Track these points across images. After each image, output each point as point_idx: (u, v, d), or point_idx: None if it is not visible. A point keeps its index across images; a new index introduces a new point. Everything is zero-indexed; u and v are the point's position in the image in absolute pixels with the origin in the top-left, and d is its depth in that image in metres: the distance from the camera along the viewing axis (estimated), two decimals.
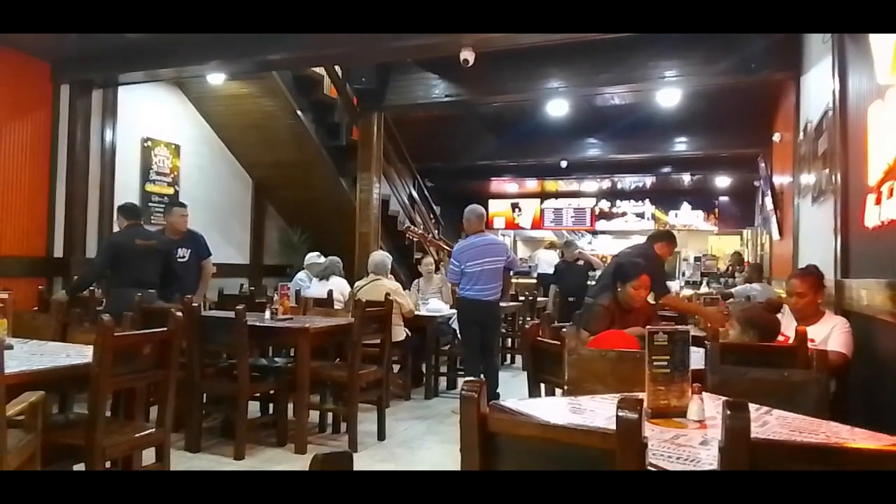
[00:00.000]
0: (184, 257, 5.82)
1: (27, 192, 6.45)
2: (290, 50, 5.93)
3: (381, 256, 6.24)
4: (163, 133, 7.95)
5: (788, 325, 3.54)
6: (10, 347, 2.74)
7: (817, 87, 5.07)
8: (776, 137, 8.15)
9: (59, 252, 6.64)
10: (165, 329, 3.07)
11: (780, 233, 7.49)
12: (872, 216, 3.09)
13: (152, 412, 3.49)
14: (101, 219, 6.97)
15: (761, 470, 1.32)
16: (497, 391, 5.43)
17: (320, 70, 8.36)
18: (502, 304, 6.12)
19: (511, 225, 15.89)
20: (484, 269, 5.51)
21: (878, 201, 2.98)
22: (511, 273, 6.02)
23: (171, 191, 8.02)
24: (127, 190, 7.37)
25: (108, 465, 2.93)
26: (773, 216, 7.77)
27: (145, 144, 7.72)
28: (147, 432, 3.07)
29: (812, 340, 3.01)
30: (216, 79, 7.13)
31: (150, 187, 7.76)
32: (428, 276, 7.15)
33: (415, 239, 7.87)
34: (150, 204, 7.75)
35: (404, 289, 6.41)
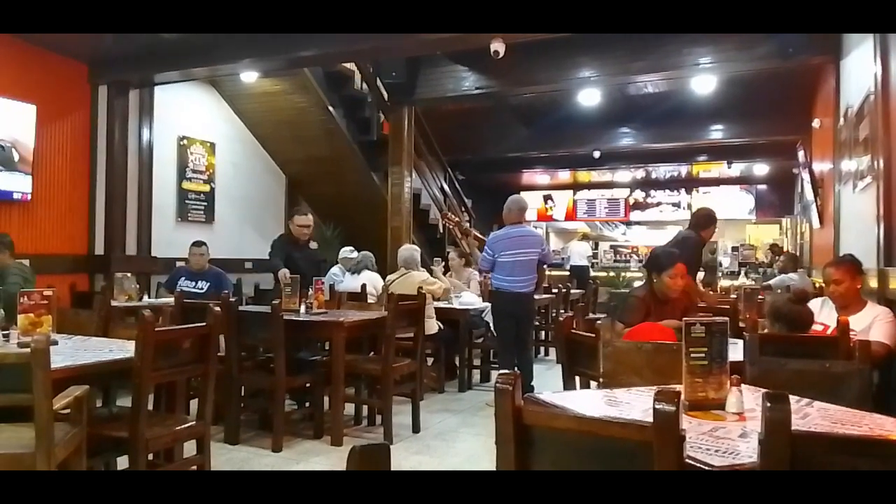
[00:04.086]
0: (202, 289, 6.00)
1: (68, 192, 6.62)
2: (321, 46, 5.98)
3: (409, 251, 6.29)
4: (198, 131, 8.08)
5: (829, 315, 3.46)
6: (55, 343, 2.81)
7: (858, 70, 4.94)
8: (816, 123, 7.95)
9: (99, 250, 6.80)
10: (204, 324, 3.13)
11: (821, 221, 7.32)
12: None
13: (192, 405, 3.56)
14: (139, 216, 7.12)
15: (802, 463, 1.29)
16: (531, 384, 5.41)
17: (351, 65, 8.40)
18: (535, 296, 6.09)
19: (543, 217, 15.78)
20: (518, 260, 5.48)
21: None
22: (545, 266, 5.98)
23: (206, 188, 8.16)
24: (164, 188, 7.53)
25: (150, 456, 3.00)
26: (814, 204, 7.59)
27: (181, 143, 7.86)
28: (188, 425, 3.13)
29: (853, 330, 2.94)
30: (249, 77, 7.22)
31: (186, 185, 7.90)
32: (457, 269, 7.16)
33: (451, 226, 7.88)
34: (187, 201, 7.90)
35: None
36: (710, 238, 5.47)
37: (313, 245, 6.33)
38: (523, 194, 7.32)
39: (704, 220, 5.45)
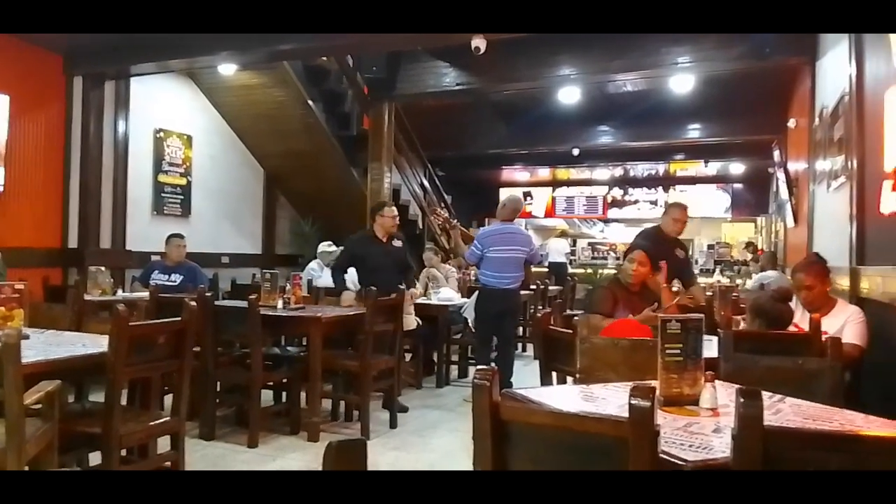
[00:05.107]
0: (175, 282, 5.89)
1: (42, 184, 6.51)
2: (300, 40, 5.94)
3: None
4: (175, 124, 7.97)
5: (803, 318, 3.50)
6: (27, 337, 2.76)
7: (833, 71, 5.01)
8: (791, 123, 8.06)
9: (73, 243, 6.70)
10: (179, 319, 3.09)
11: (795, 220, 7.42)
12: (889, 203, 3.06)
13: (167, 401, 3.52)
14: (114, 209, 7.02)
15: (775, 457, 1.31)
16: (510, 380, 5.43)
17: (331, 59, 8.35)
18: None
19: (523, 214, 15.79)
20: (506, 256, 5.50)
21: (895, 188, 2.94)
22: (532, 265, 6.01)
23: (183, 181, 8.06)
24: (140, 181, 7.43)
25: (123, 453, 2.96)
26: (788, 203, 7.70)
27: (158, 135, 7.75)
28: (162, 421, 3.10)
29: (825, 333, 2.97)
30: (227, 69, 7.15)
31: (162, 178, 7.80)
32: (435, 265, 7.15)
33: (439, 222, 7.86)
34: (163, 195, 7.80)
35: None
36: (673, 226, 4.94)
37: (397, 243, 5.47)
38: (503, 191, 7.35)
39: (665, 210, 5.18)
